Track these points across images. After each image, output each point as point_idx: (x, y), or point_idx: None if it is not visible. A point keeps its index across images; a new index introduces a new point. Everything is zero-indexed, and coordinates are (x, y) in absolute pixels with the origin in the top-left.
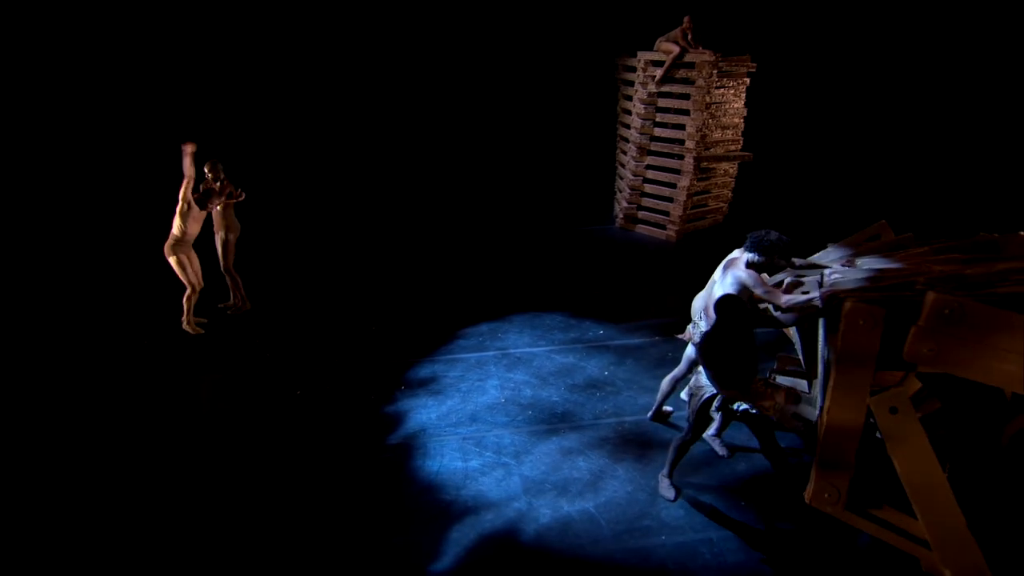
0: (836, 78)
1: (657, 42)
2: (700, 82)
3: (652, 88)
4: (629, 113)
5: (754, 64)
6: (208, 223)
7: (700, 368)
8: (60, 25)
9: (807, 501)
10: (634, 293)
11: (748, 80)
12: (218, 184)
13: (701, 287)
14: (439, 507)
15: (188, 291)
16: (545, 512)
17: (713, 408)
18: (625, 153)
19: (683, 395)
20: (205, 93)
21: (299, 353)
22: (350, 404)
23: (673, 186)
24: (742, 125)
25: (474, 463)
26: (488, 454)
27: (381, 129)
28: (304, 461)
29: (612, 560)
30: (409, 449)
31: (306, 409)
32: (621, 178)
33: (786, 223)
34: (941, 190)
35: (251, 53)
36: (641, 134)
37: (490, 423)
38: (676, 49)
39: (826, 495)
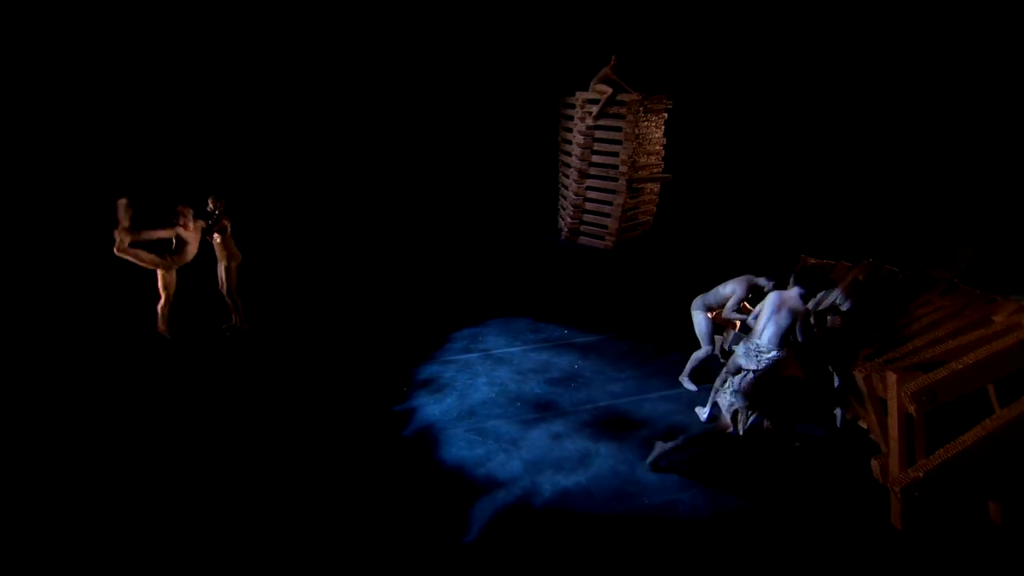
0: (737, 112)
1: (592, 84)
2: (629, 117)
3: (589, 122)
4: (570, 143)
5: (670, 102)
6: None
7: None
8: (61, 31)
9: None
10: (584, 295)
11: (666, 115)
12: (213, 218)
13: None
14: (458, 489)
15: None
16: (546, 487)
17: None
18: (567, 176)
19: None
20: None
21: (308, 361)
22: (364, 404)
23: (609, 204)
24: (663, 152)
25: (479, 451)
26: (490, 442)
27: (364, 158)
28: (335, 456)
29: (606, 521)
30: (424, 442)
31: (325, 410)
32: (564, 197)
33: (700, 230)
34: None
35: (241, 92)
36: (581, 161)
37: (486, 415)
38: (609, 90)
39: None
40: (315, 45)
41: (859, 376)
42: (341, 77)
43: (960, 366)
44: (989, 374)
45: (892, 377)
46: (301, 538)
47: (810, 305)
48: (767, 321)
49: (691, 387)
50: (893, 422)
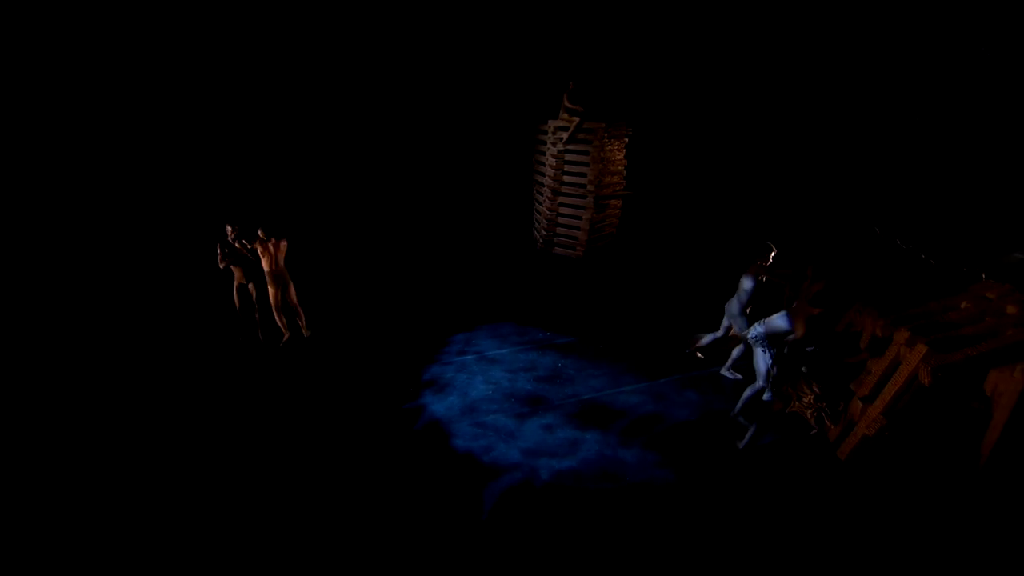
0: (687, 136)
1: (561, 112)
2: (595, 142)
3: (560, 147)
4: (543, 165)
5: (630, 128)
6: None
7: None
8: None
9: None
10: (560, 300)
11: (627, 139)
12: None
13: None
14: (469, 475)
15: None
16: (543, 471)
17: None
18: (541, 194)
19: (723, 371)
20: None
21: (322, 365)
22: (379, 403)
23: (579, 218)
24: (624, 172)
25: (482, 442)
26: (490, 434)
27: (367, 175)
28: (360, 449)
29: (595, 496)
30: (435, 435)
31: (345, 408)
32: (538, 212)
33: (656, 240)
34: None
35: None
36: (554, 180)
37: (485, 411)
38: (577, 119)
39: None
40: (304, 65)
41: (900, 335)
42: (337, 99)
43: (974, 352)
44: (993, 362)
45: (922, 349)
46: (338, 521)
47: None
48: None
49: (736, 376)
50: (899, 379)
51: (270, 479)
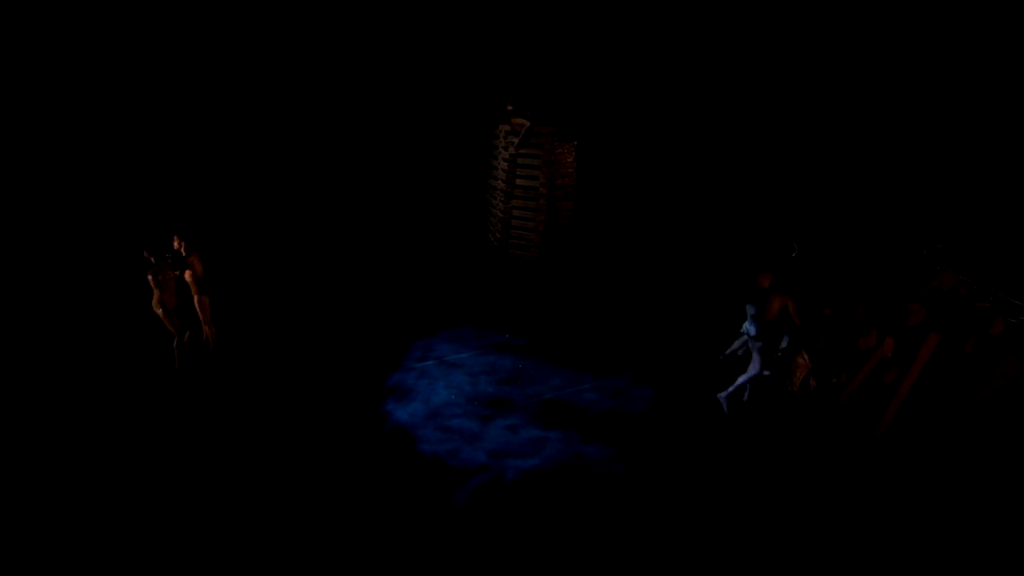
0: (635, 138)
1: (512, 118)
2: (546, 146)
3: (512, 151)
4: (496, 168)
5: (579, 132)
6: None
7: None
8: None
9: None
10: (517, 301)
11: (576, 143)
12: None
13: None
14: (438, 478)
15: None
16: (510, 471)
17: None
18: (495, 198)
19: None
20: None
21: (288, 375)
22: (345, 411)
23: (532, 220)
24: (574, 174)
25: (448, 445)
26: (456, 437)
27: (313, 183)
28: (332, 457)
29: (560, 492)
30: (402, 441)
31: (313, 418)
32: (493, 216)
33: (608, 239)
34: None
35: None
36: (507, 184)
37: (449, 415)
38: (527, 123)
39: None
40: (254, 73)
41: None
42: (289, 108)
43: None
44: None
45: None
46: (314, 526)
47: None
48: None
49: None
50: (925, 354)
51: (243, 488)
